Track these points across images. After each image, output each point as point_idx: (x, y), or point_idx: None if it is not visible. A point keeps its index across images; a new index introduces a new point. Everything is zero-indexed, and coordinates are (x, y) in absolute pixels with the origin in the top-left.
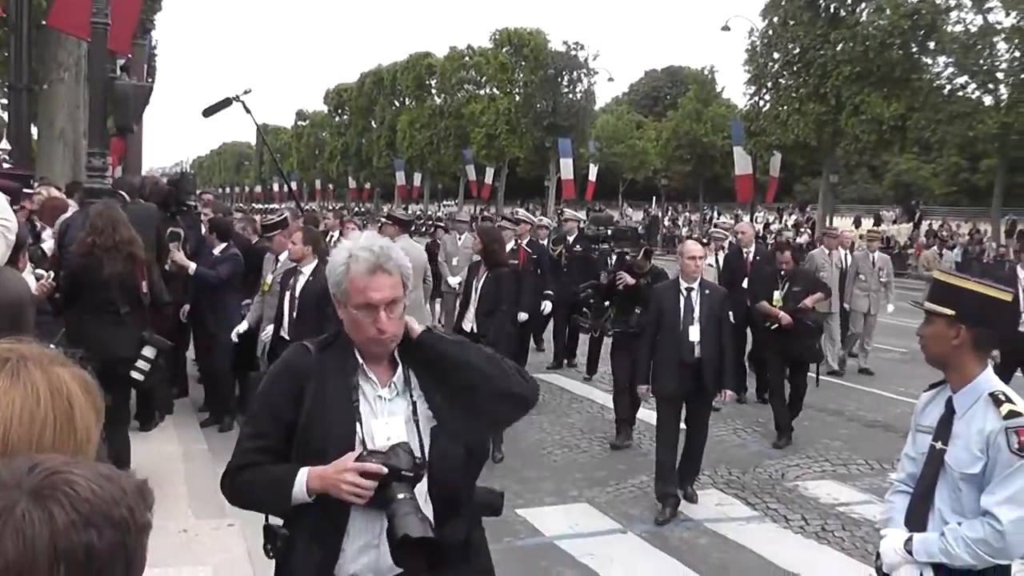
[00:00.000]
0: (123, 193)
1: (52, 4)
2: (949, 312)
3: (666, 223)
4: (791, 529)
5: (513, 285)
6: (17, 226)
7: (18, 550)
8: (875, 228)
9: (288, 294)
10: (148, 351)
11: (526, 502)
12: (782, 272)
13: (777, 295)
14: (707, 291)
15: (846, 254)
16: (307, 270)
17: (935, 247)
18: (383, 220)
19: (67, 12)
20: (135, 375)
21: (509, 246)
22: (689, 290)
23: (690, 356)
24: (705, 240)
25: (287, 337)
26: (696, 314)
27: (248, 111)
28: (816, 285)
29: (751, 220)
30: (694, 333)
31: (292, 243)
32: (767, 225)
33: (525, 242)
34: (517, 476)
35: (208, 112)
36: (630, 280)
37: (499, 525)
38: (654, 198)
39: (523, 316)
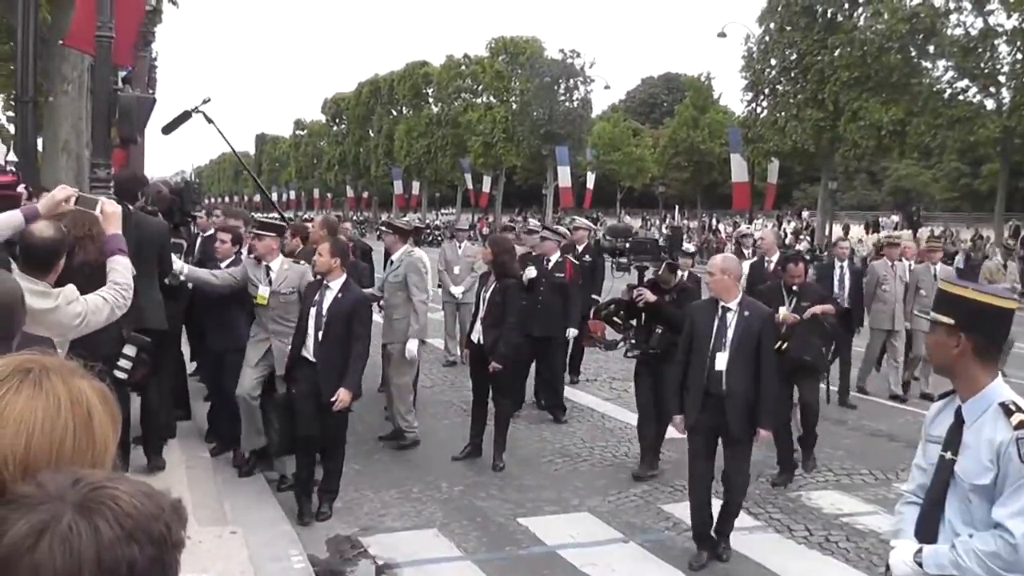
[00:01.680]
0: (126, 204)
1: (57, 18)
2: (949, 321)
3: (663, 231)
4: (794, 539)
5: (519, 298)
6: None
7: (65, 561)
8: (936, 238)
9: (314, 311)
10: (129, 349)
11: (527, 511)
12: (793, 287)
13: (783, 311)
14: (747, 312)
15: (909, 265)
16: (335, 285)
17: (997, 258)
18: (382, 228)
19: (81, 30)
20: (118, 374)
21: (554, 258)
22: (725, 310)
23: (716, 387)
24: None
25: (312, 359)
26: (728, 339)
27: (210, 121)
28: (825, 300)
29: (777, 227)
30: (721, 361)
31: (319, 255)
32: (798, 233)
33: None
34: (518, 485)
35: (168, 129)
36: (650, 297)
37: (500, 534)
38: (676, 207)
39: (572, 332)
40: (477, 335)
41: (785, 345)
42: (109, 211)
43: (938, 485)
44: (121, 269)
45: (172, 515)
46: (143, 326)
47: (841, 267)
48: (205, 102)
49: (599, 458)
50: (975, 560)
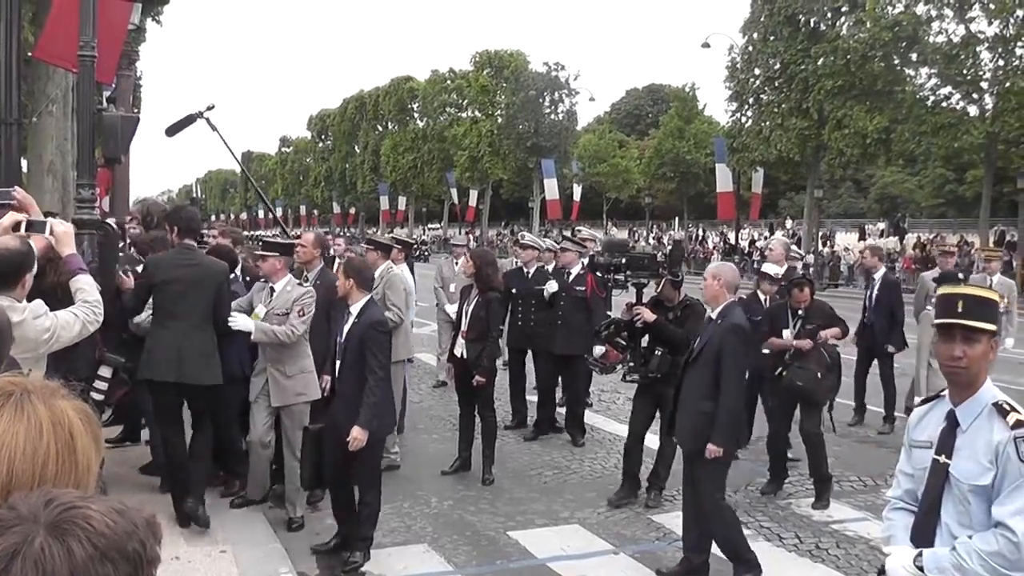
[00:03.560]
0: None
1: (39, 37)
2: (992, 328)
3: (651, 241)
4: (784, 547)
5: (501, 311)
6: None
7: None
8: (994, 248)
9: (338, 340)
10: (104, 370)
11: (517, 524)
12: (798, 311)
13: (787, 333)
14: (720, 320)
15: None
16: (355, 309)
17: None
18: (363, 244)
19: (53, 44)
20: (95, 395)
21: (575, 270)
22: (710, 319)
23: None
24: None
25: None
26: (701, 347)
27: (214, 128)
28: (832, 320)
29: (790, 235)
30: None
31: (339, 278)
32: (799, 241)
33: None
34: (508, 498)
35: (171, 130)
36: (648, 316)
37: (491, 548)
38: (673, 219)
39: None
40: (460, 349)
41: (784, 371)
42: (60, 231)
43: (933, 489)
44: (86, 287)
45: (146, 532)
46: (186, 381)
47: (874, 280)
48: (210, 108)
49: (588, 470)
50: (978, 560)
